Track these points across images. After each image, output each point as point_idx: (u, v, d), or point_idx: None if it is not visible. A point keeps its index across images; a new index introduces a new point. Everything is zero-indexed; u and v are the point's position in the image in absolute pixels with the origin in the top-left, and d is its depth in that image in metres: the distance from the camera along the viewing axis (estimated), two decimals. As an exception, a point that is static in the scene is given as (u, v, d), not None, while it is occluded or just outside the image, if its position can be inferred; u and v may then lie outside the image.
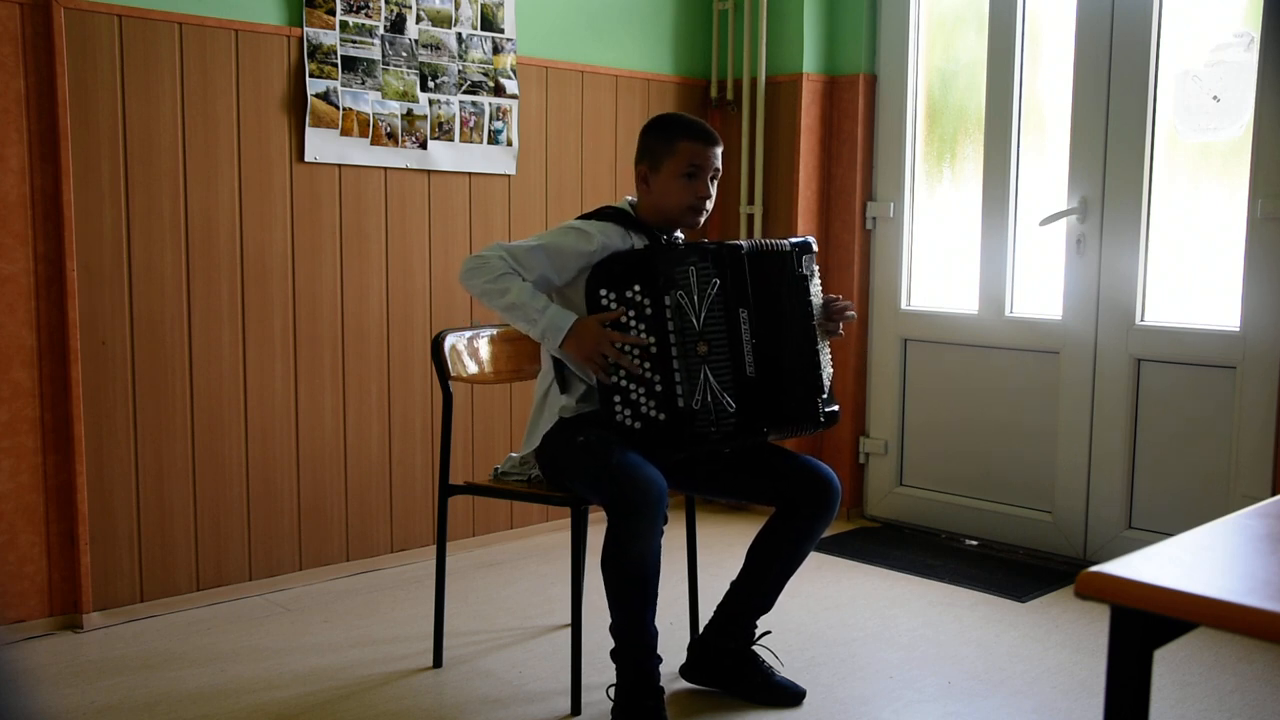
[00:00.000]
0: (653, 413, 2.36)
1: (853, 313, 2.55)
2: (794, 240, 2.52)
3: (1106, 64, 3.46)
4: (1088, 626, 3.03)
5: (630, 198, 2.56)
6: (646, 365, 2.36)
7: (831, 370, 2.53)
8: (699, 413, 2.35)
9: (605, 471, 2.27)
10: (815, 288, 2.53)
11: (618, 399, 2.37)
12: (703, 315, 2.36)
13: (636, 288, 2.37)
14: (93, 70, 2.86)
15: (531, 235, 2.54)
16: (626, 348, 2.35)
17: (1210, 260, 3.34)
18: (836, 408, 2.52)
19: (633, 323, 2.37)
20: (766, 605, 2.57)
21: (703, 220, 2.52)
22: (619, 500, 2.25)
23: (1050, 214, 3.57)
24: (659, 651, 2.37)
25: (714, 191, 2.50)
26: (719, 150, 2.49)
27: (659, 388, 2.36)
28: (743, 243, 2.45)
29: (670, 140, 2.46)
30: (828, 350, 2.54)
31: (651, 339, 2.36)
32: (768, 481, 2.50)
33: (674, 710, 2.48)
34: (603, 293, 2.39)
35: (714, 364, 2.36)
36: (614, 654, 2.37)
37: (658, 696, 2.35)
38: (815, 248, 2.54)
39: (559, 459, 2.46)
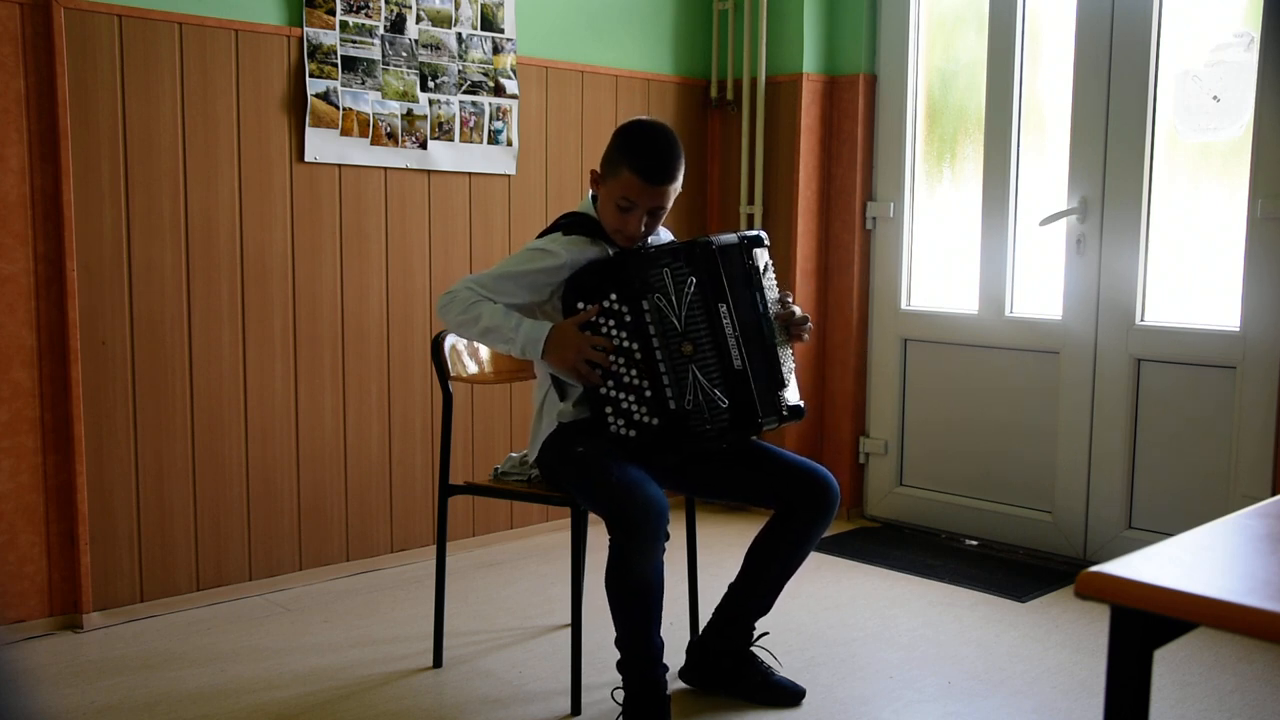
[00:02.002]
0: (645, 418, 2.36)
1: (809, 323, 2.51)
2: (743, 234, 2.48)
3: (1106, 64, 3.46)
4: (1088, 626, 3.03)
5: (593, 193, 2.50)
6: (633, 372, 2.35)
7: (793, 365, 2.50)
8: (691, 412, 2.35)
9: (606, 489, 2.26)
10: (768, 281, 2.48)
11: (609, 409, 2.37)
12: (683, 315, 2.35)
13: (613, 296, 2.36)
14: (93, 70, 2.86)
15: (496, 264, 2.48)
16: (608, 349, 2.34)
17: (1210, 260, 3.34)
18: (801, 403, 2.49)
19: (614, 331, 2.36)
20: (765, 608, 2.57)
21: (635, 244, 2.43)
22: (621, 521, 2.24)
23: (1050, 214, 3.57)
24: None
25: (648, 228, 2.41)
26: (669, 189, 2.36)
27: (648, 393, 2.35)
28: (713, 238, 2.41)
29: (619, 161, 2.36)
30: (788, 347, 2.50)
31: (635, 344, 2.35)
32: (766, 483, 2.49)
33: (675, 710, 2.48)
34: (580, 305, 2.38)
35: (701, 362, 2.35)
36: (620, 665, 2.37)
37: (664, 703, 2.36)
38: (766, 241, 2.50)
39: (559, 469, 2.45)
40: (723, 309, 2.38)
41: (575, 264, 2.41)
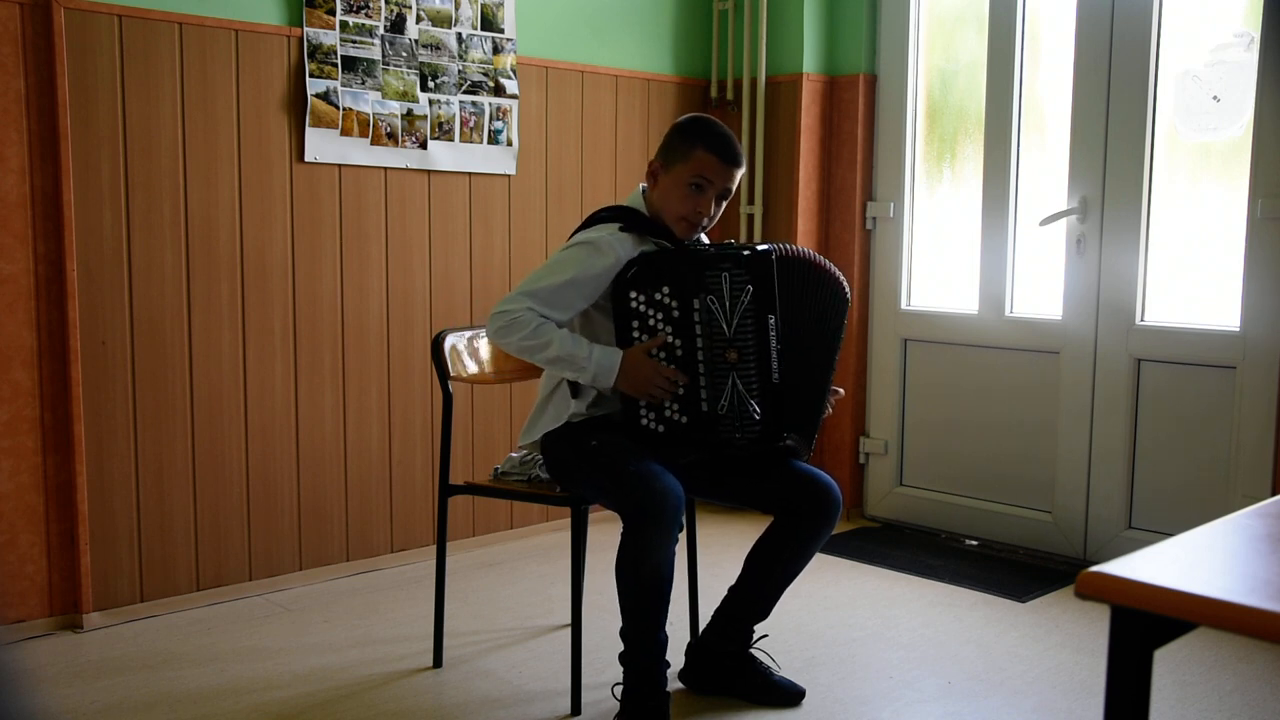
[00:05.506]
0: (676, 415, 2.35)
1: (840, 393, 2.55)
2: (842, 281, 2.47)
3: (1106, 64, 3.46)
4: (1088, 626, 3.03)
5: (644, 185, 2.50)
6: (671, 368, 2.34)
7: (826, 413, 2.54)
8: (723, 417, 2.34)
9: (623, 480, 2.26)
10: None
11: (642, 404, 2.37)
12: (734, 323, 2.33)
13: (665, 290, 2.34)
14: (93, 70, 2.86)
15: (543, 266, 2.43)
16: (673, 367, 2.33)
17: (1210, 260, 3.34)
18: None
19: (660, 324, 2.35)
20: (764, 613, 2.57)
21: (696, 234, 2.46)
22: (637, 510, 2.23)
23: (1050, 214, 3.57)
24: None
25: (716, 212, 2.44)
26: (737, 172, 2.41)
27: (682, 391, 2.35)
28: (772, 247, 2.39)
29: (691, 144, 2.39)
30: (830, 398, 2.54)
31: (678, 341, 2.34)
32: (769, 490, 2.49)
33: (674, 710, 2.48)
34: (632, 295, 2.36)
35: (743, 371, 2.34)
36: (623, 657, 2.37)
37: (663, 699, 2.36)
38: (850, 300, 2.53)
39: (569, 462, 2.44)
40: (771, 320, 2.35)
41: (621, 261, 2.37)
